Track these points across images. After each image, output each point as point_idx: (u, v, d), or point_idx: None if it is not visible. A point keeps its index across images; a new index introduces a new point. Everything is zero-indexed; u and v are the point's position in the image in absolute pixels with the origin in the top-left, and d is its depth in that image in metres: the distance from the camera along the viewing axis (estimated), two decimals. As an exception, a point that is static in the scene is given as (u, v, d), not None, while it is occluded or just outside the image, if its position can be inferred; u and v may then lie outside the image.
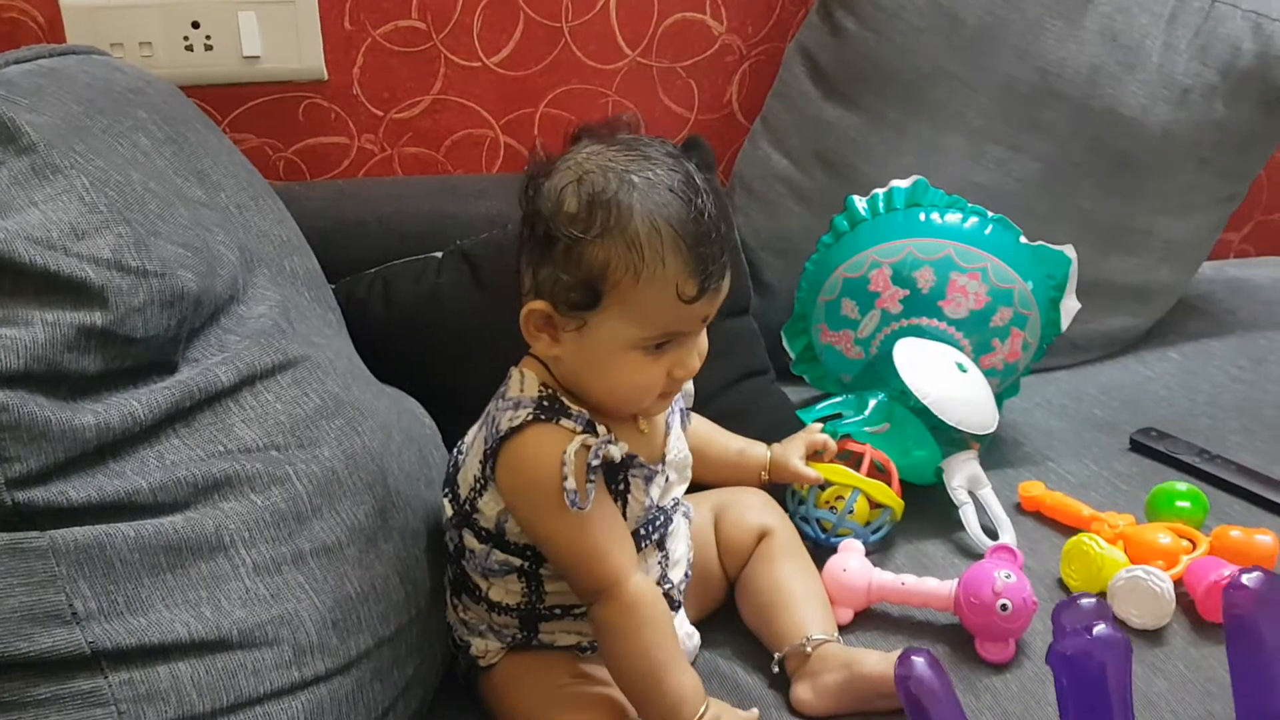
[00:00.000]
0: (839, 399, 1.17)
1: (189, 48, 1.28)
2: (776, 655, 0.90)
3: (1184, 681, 0.88)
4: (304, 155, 1.40)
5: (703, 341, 0.82)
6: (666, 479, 0.87)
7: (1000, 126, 1.36)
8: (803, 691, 0.86)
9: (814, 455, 1.04)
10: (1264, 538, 1.00)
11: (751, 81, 1.52)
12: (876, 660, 0.84)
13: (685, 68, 1.49)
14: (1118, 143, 1.38)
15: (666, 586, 0.87)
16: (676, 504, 0.90)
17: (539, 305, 0.78)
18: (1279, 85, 1.41)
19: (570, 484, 0.76)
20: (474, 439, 0.85)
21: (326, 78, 1.36)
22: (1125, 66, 1.36)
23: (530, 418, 0.79)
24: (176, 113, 0.90)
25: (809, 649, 0.87)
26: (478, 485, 0.83)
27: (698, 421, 1.00)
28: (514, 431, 0.78)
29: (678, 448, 0.89)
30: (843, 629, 0.93)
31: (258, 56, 1.30)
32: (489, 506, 0.82)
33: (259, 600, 0.71)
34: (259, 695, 0.69)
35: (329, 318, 0.98)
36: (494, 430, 0.80)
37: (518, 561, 0.84)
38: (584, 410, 0.80)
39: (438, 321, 1.11)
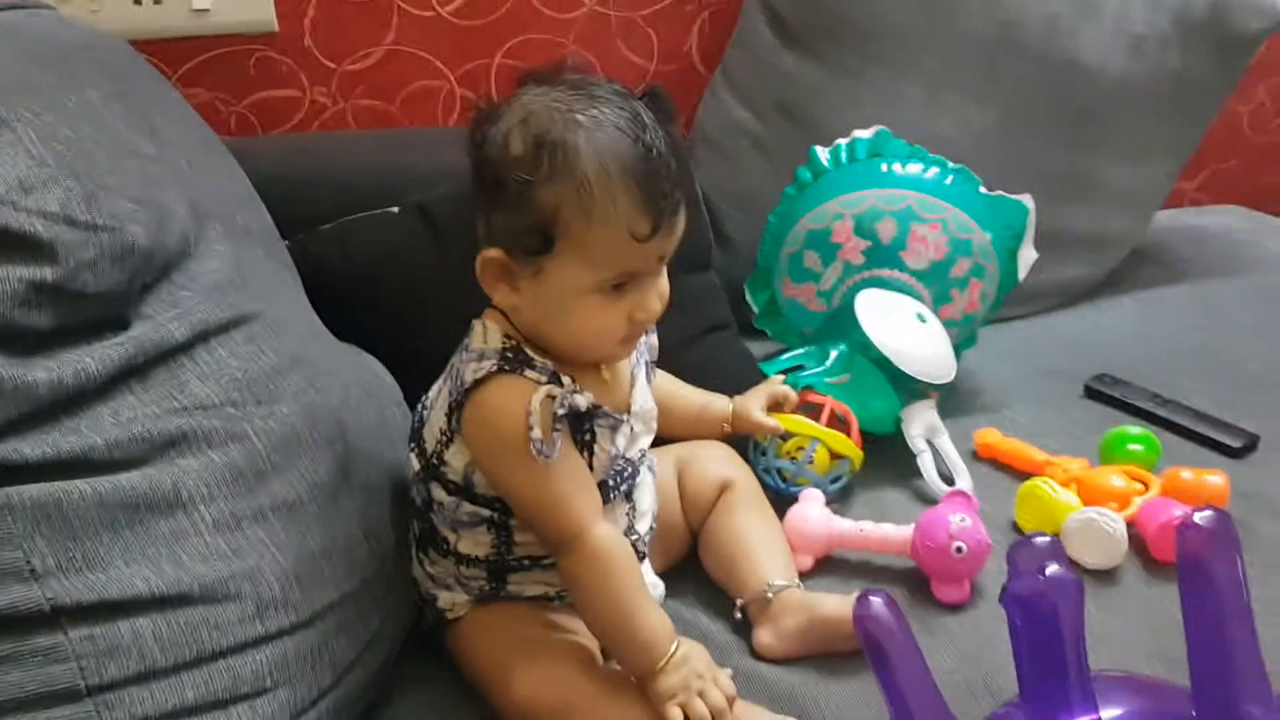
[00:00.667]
0: (801, 351, 1.18)
1: (137, 1, 1.25)
2: (739, 602, 0.91)
3: (1136, 620, 0.90)
4: (256, 109, 1.37)
5: (663, 283, 0.82)
6: (632, 430, 0.87)
7: (959, 76, 1.36)
8: (765, 636, 0.88)
9: (775, 407, 1.05)
10: (1214, 479, 1.02)
11: (711, 31, 1.51)
12: (835, 603, 0.86)
13: (644, 16, 1.48)
14: (1074, 93, 1.39)
15: (633, 538, 0.88)
16: (643, 456, 0.90)
17: (493, 253, 0.78)
18: (1231, 34, 1.43)
19: (536, 434, 0.76)
20: (438, 392, 0.85)
21: (277, 30, 1.33)
22: (1082, 17, 1.37)
23: (494, 369, 0.78)
24: (126, 67, 0.89)
25: (770, 595, 0.89)
26: (444, 438, 0.83)
27: (661, 376, 1.00)
28: (479, 384, 0.78)
29: (643, 399, 0.89)
30: (804, 575, 0.95)
31: (207, 9, 1.27)
32: (456, 459, 0.82)
33: (219, 556, 0.71)
34: (222, 649, 0.69)
35: (284, 274, 0.97)
36: (459, 383, 0.80)
37: (487, 513, 0.84)
38: (547, 361, 0.80)
39: (395, 277, 1.10)
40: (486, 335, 0.82)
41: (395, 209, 1.15)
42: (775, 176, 1.33)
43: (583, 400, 0.79)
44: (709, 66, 1.51)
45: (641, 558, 0.90)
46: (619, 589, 0.79)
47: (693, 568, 0.97)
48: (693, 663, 0.78)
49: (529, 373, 0.79)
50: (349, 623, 0.79)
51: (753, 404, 1.04)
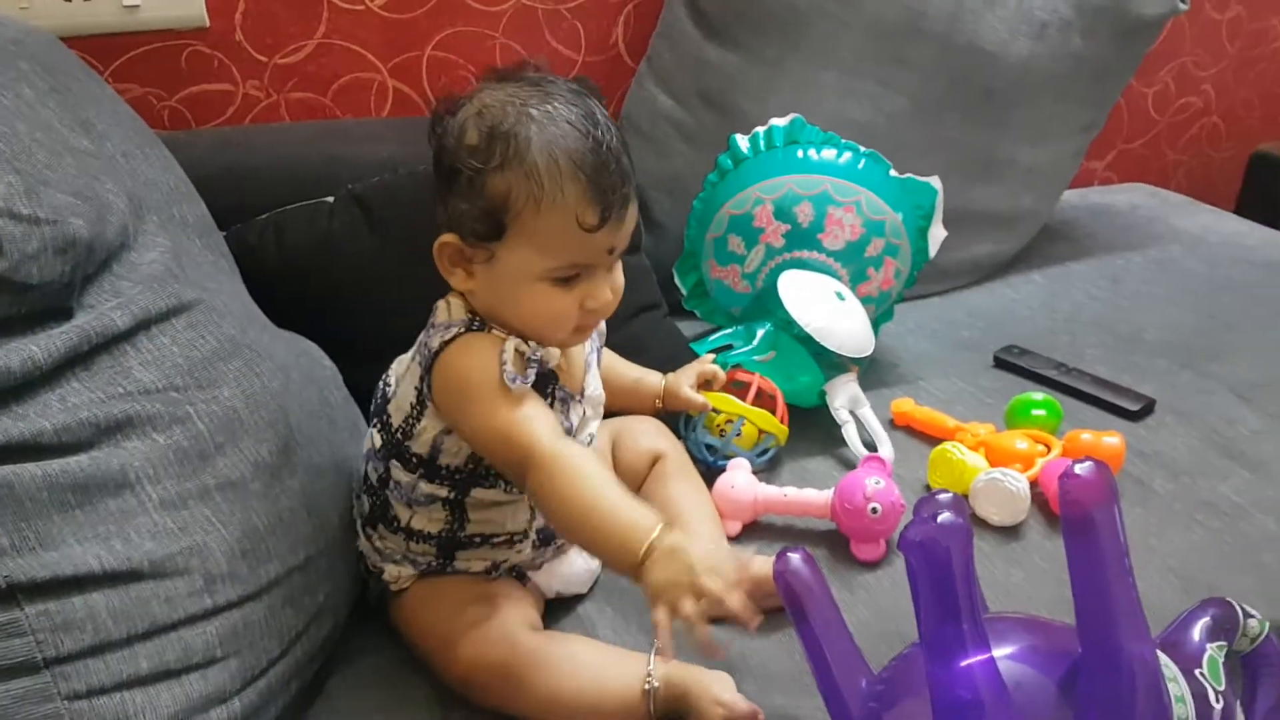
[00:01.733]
0: (729, 331, 1.22)
1: (66, -2, 1.25)
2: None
3: (1039, 571, 0.97)
4: (188, 103, 1.38)
5: (617, 276, 0.85)
6: (584, 413, 0.90)
7: (870, 63, 1.41)
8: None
9: (705, 384, 1.10)
10: (1112, 440, 1.09)
11: (636, 22, 1.55)
12: (759, 563, 0.89)
13: (570, 9, 1.51)
14: (980, 77, 1.44)
15: None
16: (591, 440, 0.93)
17: (449, 238, 0.82)
18: (1131, 19, 1.50)
19: (510, 368, 0.79)
20: (405, 369, 0.88)
21: (208, 24, 1.34)
22: (986, 3, 1.42)
23: (462, 330, 0.82)
24: (58, 63, 0.90)
25: None
26: (415, 411, 0.86)
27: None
28: (447, 344, 0.82)
29: (594, 385, 0.93)
30: (732, 540, 1.00)
31: (137, 5, 1.28)
32: (427, 430, 0.85)
33: (167, 533, 0.74)
34: (173, 621, 0.72)
35: (221, 264, 1.00)
36: (427, 352, 0.83)
37: (444, 492, 0.87)
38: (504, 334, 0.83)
39: (331, 265, 1.13)
40: (451, 310, 0.86)
41: (330, 199, 1.17)
42: (700, 162, 1.37)
43: (555, 353, 0.83)
44: (635, 57, 1.55)
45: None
46: (583, 490, 0.77)
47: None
48: (682, 555, 0.72)
49: (495, 331, 0.83)
50: (295, 595, 0.82)
51: (683, 381, 1.08)
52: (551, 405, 0.85)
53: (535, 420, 0.80)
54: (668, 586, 0.71)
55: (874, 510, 0.96)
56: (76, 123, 0.86)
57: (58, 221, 0.73)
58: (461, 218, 0.80)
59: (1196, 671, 0.74)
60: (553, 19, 1.51)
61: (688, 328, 1.33)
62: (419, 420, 0.86)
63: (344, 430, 0.99)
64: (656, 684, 0.81)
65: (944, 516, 0.69)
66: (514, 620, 0.86)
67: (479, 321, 0.84)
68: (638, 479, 1.02)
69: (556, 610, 0.94)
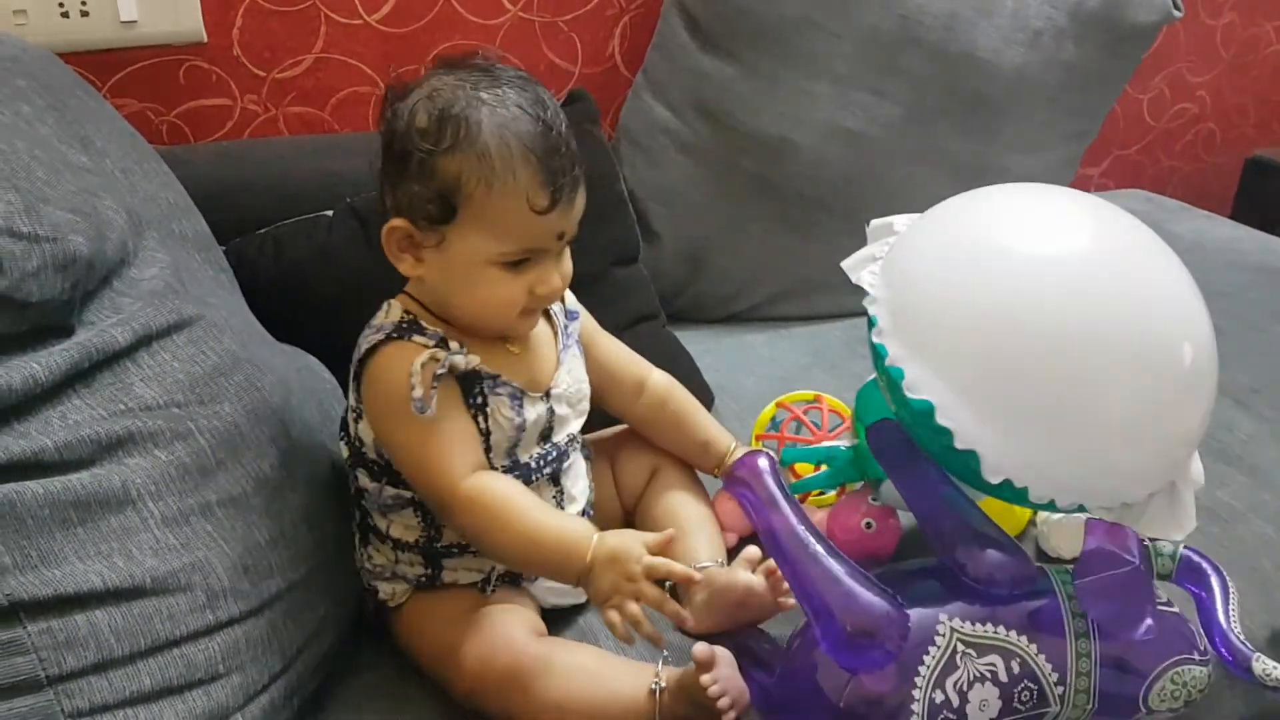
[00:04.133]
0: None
1: (65, 14, 1.26)
2: (667, 584, 0.95)
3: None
4: (187, 118, 1.39)
5: (566, 263, 0.86)
6: (552, 411, 0.89)
7: (864, 73, 1.41)
8: (685, 611, 0.92)
9: None
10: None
11: (632, 34, 1.55)
12: (725, 573, 0.89)
13: (567, 21, 1.52)
14: (974, 85, 1.45)
15: None
16: (573, 440, 0.93)
17: (398, 223, 0.82)
18: (1125, 27, 1.50)
19: (417, 391, 0.79)
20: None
21: (206, 40, 1.35)
22: (980, 12, 1.42)
23: (384, 338, 0.83)
24: (55, 80, 0.91)
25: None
26: (354, 415, 0.87)
27: (683, 395, 1.03)
28: (370, 353, 0.83)
29: (569, 381, 0.92)
30: (732, 550, 0.99)
31: (135, 21, 1.29)
32: (366, 433, 0.86)
33: (169, 549, 0.74)
34: (175, 638, 0.72)
35: (221, 278, 1.00)
36: (357, 354, 0.84)
37: (409, 494, 0.87)
38: (439, 329, 0.84)
39: (330, 279, 1.13)
40: (388, 312, 0.87)
41: (328, 213, 1.18)
42: (696, 173, 1.38)
43: (463, 360, 0.82)
44: (631, 69, 1.56)
45: None
46: (507, 522, 0.80)
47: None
48: (621, 562, 0.77)
49: (416, 338, 0.83)
50: (296, 610, 0.82)
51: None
52: (486, 406, 0.85)
53: (449, 459, 0.81)
54: (612, 594, 0.77)
55: (868, 525, 0.95)
56: (75, 139, 0.87)
57: (57, 239, 0.73)
58: (412, 201, 0.81)
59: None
60: (549, 31, 1.51)
61: (686, 339, 1.33)
62: (358, 423, 0.87)
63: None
64: (663, 684, 0.81)
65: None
66: (516, 627, 0.85)
67: (408, 323, 0.84)
68: (638, 490, 1.02)
69: (556, 621, 0.93)
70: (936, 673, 0.74)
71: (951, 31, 1.41)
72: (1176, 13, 1.53)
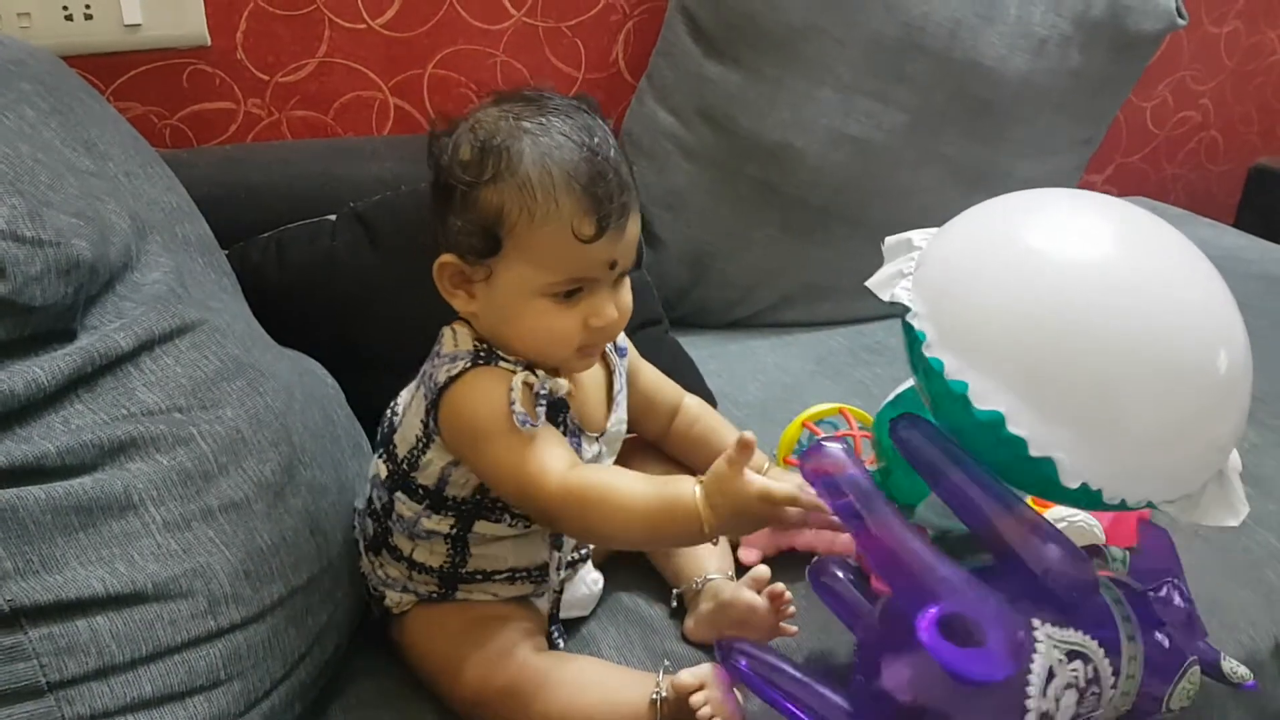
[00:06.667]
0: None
1: (68, 17, 1.26)
2: (675, 591, 0.95)
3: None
4: (190, 122, 1.39)
5: (623, 295, 0.83)
6: (599, 450, 0.88)
7: (868, 79, 1.41)
8: (689, 622, 0.92)
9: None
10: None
11: (636, 40, 1.55)
12: (732, 588, 0.89)
13: (571, 27, 1.52)
14: (979, 92, 1.45)
15: (584, 550, 0.92)
16: None
17: (447, 258, 0.81)
18: (1129, 35, 1.50)
19: (519, 408, 0.77)
20: (411, 399, 0.87)
21: (209, 43, 1.35)
22: (985, 19, 1.42)
23: (469, 365, 0.81)
24: (60, 83, 0.90)
25: (698, 585, 0.93)
26: (420, 444, 0.84)
27: (712, 414, 1.03)
28: (453, 380, 0.80)
29: (615, 422, 0.91)
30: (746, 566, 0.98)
31: (139, 24, 1.29)
32: (434, 463, 0.84)
33: (171, 555, 0.73)
34: (177, 644, 0.72)
35: (224, 282, 1.00)
36: (432, 385, 0.82)
37: (446, 528, 0.86)
38: (515, 358, 0.82)
39: (333, 283, 1.13)
40: (457, 340, 0.84)
41: (332, 217, 1.18)
42: (700, 178, 1.38)
43: (563, 384, 0.81)
44: (635, 75, 1.56)
45: (585, 559, 0.94)
46: (609, 508, 0.76)
47: (635, 556, 1.01)
48: (744, 513, 0.73)
49: (503, 364, 0.81)
50: (298, 616, 0.81)
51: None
52: (565, 434, 0.84)
53: (547, 461, 0.78)
54: (744, 524, 0.76)
55: None
56: (79, 143, 0.86)
57: (61, 243, 0.73)
58: (458, 235, 0.79)
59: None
60: (553, 37, 1.51)
61: (689, 344, 1.33)
62: (425, 453, 0.84)
63: (347, 449, 0.98)
64: (664, 693, 0.80)
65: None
66: (519, 642, 0.85)
67: (485, 352, 0.82)
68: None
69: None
70: (1043, 681, 0.70)
71: (956, 38, 1.41)
72: (1180, 21, 1.53)
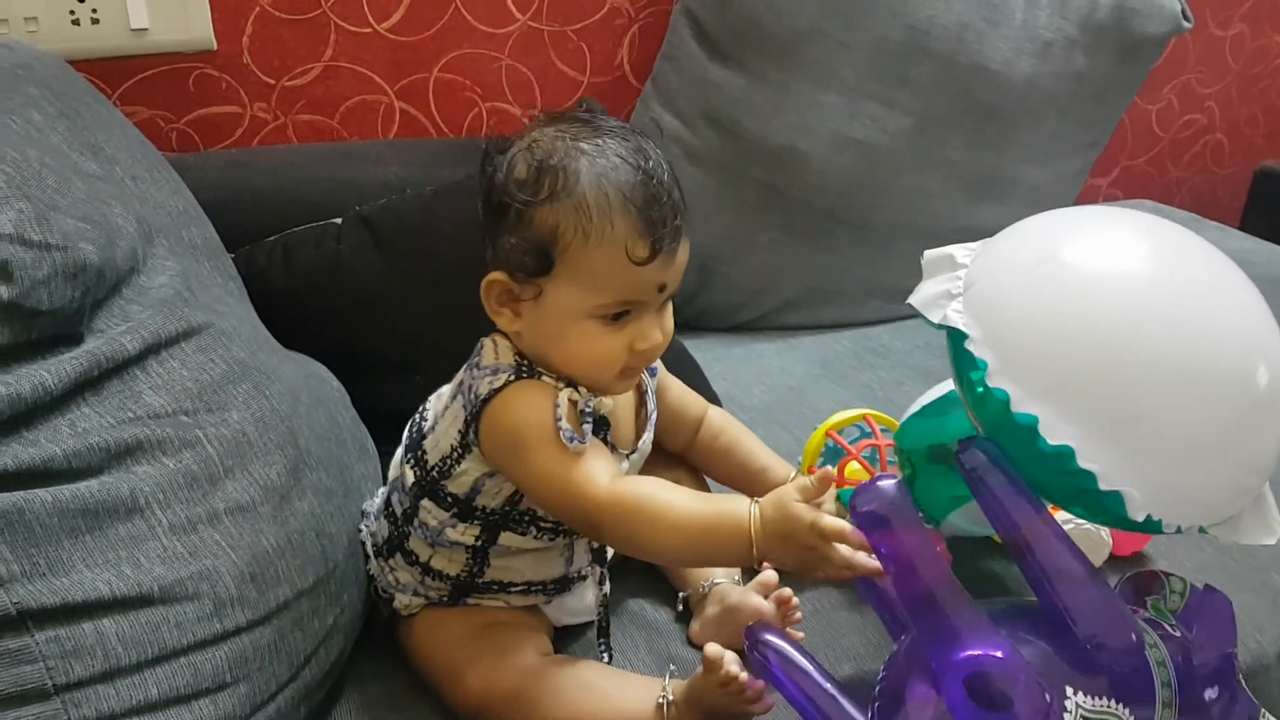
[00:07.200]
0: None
1: (75, 22, 1.26)
2: (681, 595, 0.95)
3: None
4: (196, 126, 1.39)
5: (667, 319, 0.83)
6: (625, 469, 0.88)
7: (873, 83, 1.41)
8: (694, 625, 0.93)
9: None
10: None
11: (641, 44, 1.55)
12: (739, 592, 0.89)
13: (576, 30, 1.52)
14: (984, 96, 1.45)
15: (602, 567, 0.92)
16: None
17: (497, 275, 0.80)
18: (1134, 38, 1.50)
19: (565, 425, 0.77)
20: (445, 407, 0.86)
21: (216, 47, 1.35)
22: (990, 23, 1.42)
23: (512, 378, 0.81)
24: (66, 88, 0.91)
25: (705, 589, 0.93)
26: (455, 453, 0.84)
27: (737, 426, 1.02)
28: (495, 393, 0.80)
29: (646, 439, 0.91)
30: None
31: (145, 29, 1.29)
32: (468, 473, 0.84)
33: (177, 558, 0.73)
34: (183, 647, 0.72)
35: (230, 286, 1.00)
36: (473, 397, 0.81)
37: (471, 539, 0.86)
38: (556, 375, 0.82)
39: (339, 287, 1.13)
40: (498, 352, 0.84)
41: (337, 220, 1.18)
42: (706, 183, 1.38)
43: (608, 401, 0.81)
44: (640, 78, 1.56)
45: (602, 577, 0.93)
46: (656, 518, 0.76)
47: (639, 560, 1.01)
48: (794, 536, 0.72)
49: (546, 378, 0.81)
50: (304, 619, 0.81)
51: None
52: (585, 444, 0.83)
53: (595, 470, 0.78)
54: (802, 568, 0.73)
55: None
56: (85, 147, 0.87)
57: (68, 247, 0.73)
58: (510, 254, 0.79)
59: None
60: (558, 40, 1.51)
61: (694, 348, 1.33)
62: (459, 462, 0.84)
63: (353, 451, 0.99)
64: (671, 696, 0.80)
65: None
66: (524, 647, 0.85)
67: (528, 366, 0.82)
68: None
69: (565, 636, 0.93)
70: None
71: (961, 42, 1.41)
72: (1186, 24, 1.53)
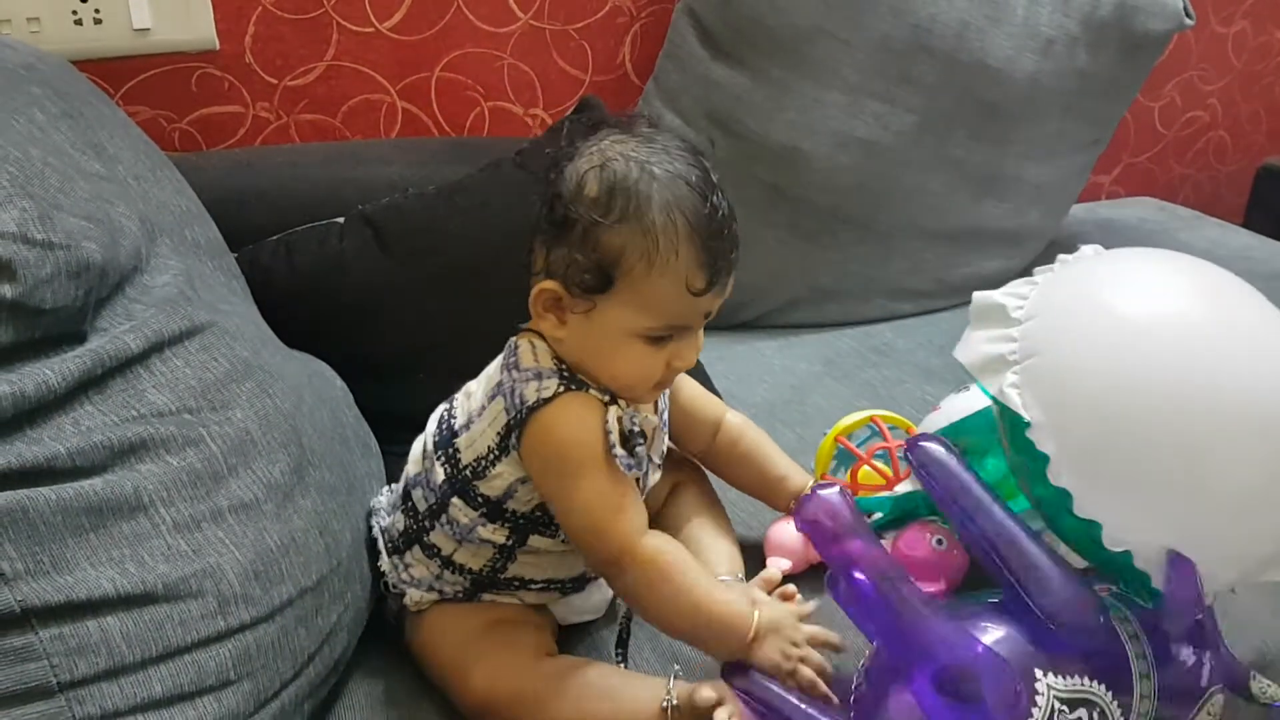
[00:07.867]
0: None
1: (78, 22, 1.26)
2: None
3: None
4: (199, 125, 1.39)
5: (700, 337, 0.85)
6: (650, 476, 0.89)
7: (876, 82, 1.41)
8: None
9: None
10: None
11: (643, 43, 1.56)
12: (741, 589, 0.88)
13: (578, 30, 1.52)
14: (986, 93, 1.44)
15: None
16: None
17: (550, 285, 0.80)
18: (1137, 35, 1.50)
19: (619, 450, 0.78)
20: (481, 406, 0.86)
21: (218, 47, 1.35)
22: (992, 20, 1.42)
23: (561, 389, 0.81)
24: (69, 87, 0.91)
25: None
26: (492, 455, 0.84)
27: (756, 432, 1.02)
28: (545, 402, 0.80)
29: (662, 447, 0.92)
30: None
31: (148, 28, 1.29)
32: (504, 476, 0.84)
33: (181, 556, 0.73)
34: (187, 644, 0.72)
35: (233, 285, 1.00)
36: (517, 401, 0.81)
37: (502, 539, 0.86)
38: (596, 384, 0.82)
39: (342, 286, 1.13)
40: (536, 354, 0.84)
41: (340, 220, 1.18)
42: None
43: (652, 419, 0.82)
44: (642, 77, 1.56)
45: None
46: (678, 590, 0.80)
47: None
48: (783, 629, 0.80)
49: (593, 391, 0.82)
50: (308, 616, 0.81)
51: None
52: (643, 470, 0.84)
53: (630, 516, 0.80)
54: (781, 660, 0.79)
55: (939, 542, 0.91)
56: (88, 146, 0.87)
57: (71, 246, 0.73)
58: (568, 267, 0.79)
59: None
60: (560, 39, 1.52)
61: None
62: (495, 465, 0.84)
63: (356, 450, 0.99)
64: (675, 700, 0.80)
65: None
66: (530, 646, 0.85)
67: (568, 372, 0.82)
68: (657, 505, 1.02)
69: (570, 635, 0.93)
70: None
71: (963, 40, 1.41)
72: (1188, 21, 1.52)
